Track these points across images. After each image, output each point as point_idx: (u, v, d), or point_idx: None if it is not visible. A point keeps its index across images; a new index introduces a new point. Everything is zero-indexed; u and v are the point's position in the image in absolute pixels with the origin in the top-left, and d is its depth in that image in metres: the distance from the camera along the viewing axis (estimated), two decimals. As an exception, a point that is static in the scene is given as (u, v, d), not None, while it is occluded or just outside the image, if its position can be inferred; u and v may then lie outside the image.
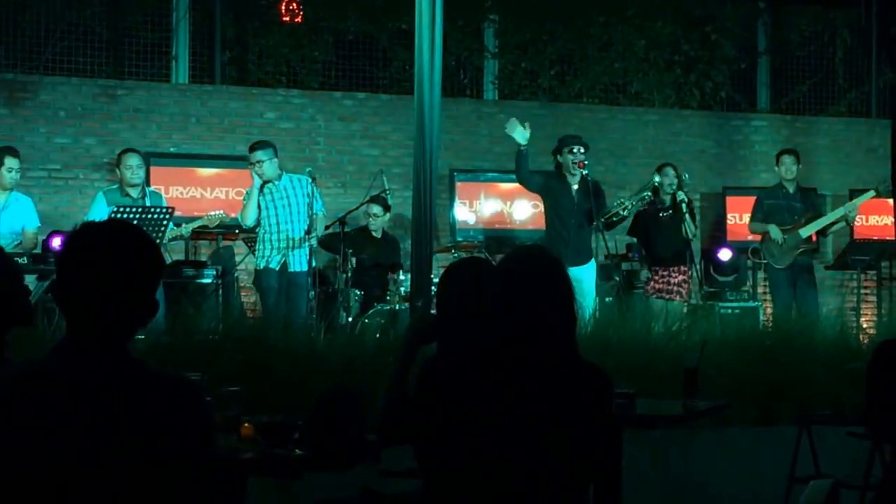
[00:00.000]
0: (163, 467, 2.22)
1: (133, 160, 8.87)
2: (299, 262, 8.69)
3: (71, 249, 2.35)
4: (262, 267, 8.75)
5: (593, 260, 8.81)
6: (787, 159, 9.96)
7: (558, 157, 8.81)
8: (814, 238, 9.91)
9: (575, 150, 8.70)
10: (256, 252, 8.88)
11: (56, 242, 8.81)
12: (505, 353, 3.07)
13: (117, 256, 2.30)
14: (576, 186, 8.74)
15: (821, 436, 5.89)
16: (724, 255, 10.80)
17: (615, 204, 9.05)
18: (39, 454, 2.18)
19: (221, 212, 9.39)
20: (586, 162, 8.81)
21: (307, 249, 8.70)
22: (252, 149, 8.85)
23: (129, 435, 2.20)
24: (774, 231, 9.70)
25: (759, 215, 9.95)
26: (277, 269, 8.71)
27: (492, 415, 3.01)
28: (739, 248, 10.96)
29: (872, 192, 9.93)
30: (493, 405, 3.02)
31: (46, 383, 2.24)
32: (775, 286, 9.84)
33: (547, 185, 8.79)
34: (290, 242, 8.70)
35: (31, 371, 2.31)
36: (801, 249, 9.72)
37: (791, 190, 9.92)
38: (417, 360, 3.50)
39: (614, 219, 8.97)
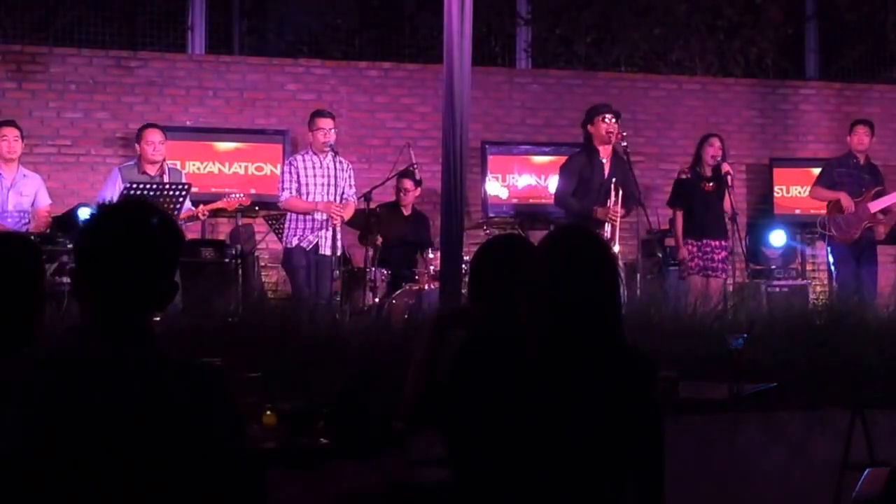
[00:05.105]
0: (190, 456, 2.23)
1: (155, 136, 8.71)
2: (329, 246, 8.60)
3: (87, 233, 2.39)
4: (293, 245, 8.63)
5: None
6: (861, 129, 9.82)
7: (589, 126, 8.49)
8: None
9: (607, 119, 8.38)
10: (286, 229, 8.74)
11: (84, 214, 8.57)
12: (545, 338, 2.94)
13: (134, 236, 2.35)
14: (605, 160, 8.42)
15: (875, 420, 5.64)
16: (777, 239, 10.46)
17: None
18: (62, 444, 2.20)
19: (241, 194, 9.13)
20: (624, 133, 8.51)
21: (337, 232, 8.60)
22: (321, 114, 8.74)
23: (155, 424, 2.22)
24: (846, 199, 9.44)
25: (827, 182, 9.71)
26: (308, 248, 8.61)
27: (529, 402, 2.92)
28: (787, 222, 10.86)
29: None
30: (531, 392, 2.92)
31: (68, 372, 2.25)
32: (839, 261, 9.64)
33: (580, 175, 8.45)
34: (324, 223, 8.61)
35: (52, 359, 2.32)
36: (868, 224, 9.42)
37: (861, 161, 9.75)
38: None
39: None
